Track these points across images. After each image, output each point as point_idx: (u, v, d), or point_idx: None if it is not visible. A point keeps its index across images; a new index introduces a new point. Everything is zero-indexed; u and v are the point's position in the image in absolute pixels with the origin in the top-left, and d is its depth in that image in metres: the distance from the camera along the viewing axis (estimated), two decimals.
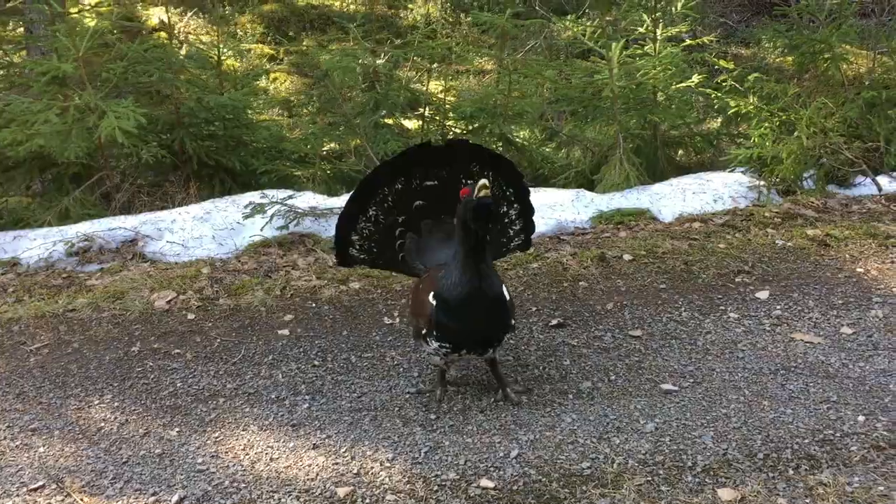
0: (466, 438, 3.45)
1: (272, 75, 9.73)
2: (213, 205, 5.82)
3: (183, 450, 3.41)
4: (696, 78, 6.95)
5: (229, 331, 4.42)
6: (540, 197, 5.76)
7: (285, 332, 4.40)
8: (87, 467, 3.31)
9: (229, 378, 3.96)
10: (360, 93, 6.65)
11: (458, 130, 6.84)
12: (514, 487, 3.14)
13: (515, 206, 3.92)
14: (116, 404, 3.76)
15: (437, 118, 6.70)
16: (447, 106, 6.74)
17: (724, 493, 3.05)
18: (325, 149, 6.39)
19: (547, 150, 7.03)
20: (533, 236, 4.07)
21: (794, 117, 6.10)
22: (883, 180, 6.14)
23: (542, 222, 5.66)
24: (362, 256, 3.87)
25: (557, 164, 6.67)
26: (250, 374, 3.99)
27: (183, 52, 7.19)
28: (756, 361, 3.93)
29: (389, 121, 6.68)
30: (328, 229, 5.59)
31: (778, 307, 4.45)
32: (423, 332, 3.48)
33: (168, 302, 4.74)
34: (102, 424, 3.61)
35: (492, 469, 3.25)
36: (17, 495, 3.14)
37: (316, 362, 4.09)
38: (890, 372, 3.81)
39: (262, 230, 5.58)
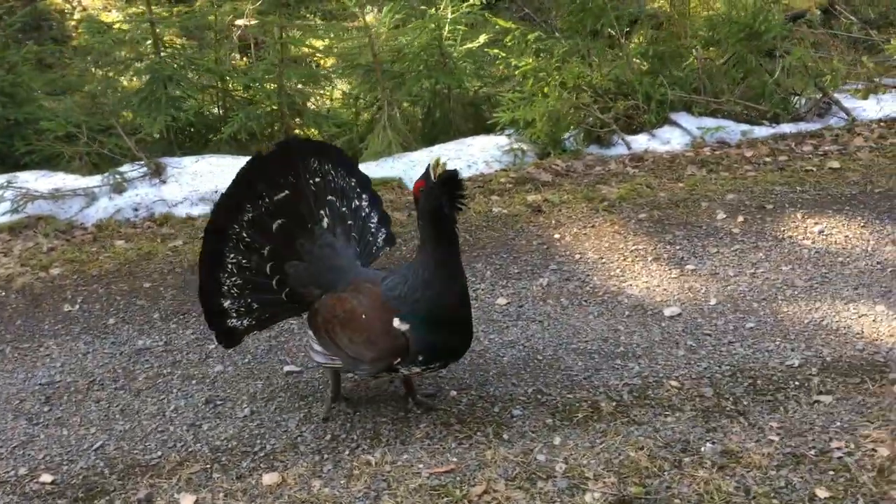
0: (64, 431, 3.46)
1: None
2: None
3: None
4: (482, 38, 6.87)
5: None
6: None
7: None
8: None
9: None
10: None
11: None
12: (73, 482, 3.16)
13: (364, 196, 3.50)
14: None
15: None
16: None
17: (267, 478, 3.08)
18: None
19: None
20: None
21: (547, 78, 6.03)
22: (642, 138, 6.12)
23: None
24: (246, 322, 3.33)
25: (332, 132, 6.60)
26: None
27: None
28: None
29: None
30: (67, 211, 5.56)
31: None
32: (393, 363, 3.04)
33: None
34: None
35: (63, 463, 3.26)
36: None
37: None
38: (514, 343, 3.83)
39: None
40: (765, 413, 3.26)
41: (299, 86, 6.66)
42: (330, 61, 7.27)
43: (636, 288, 4.24)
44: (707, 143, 6.02)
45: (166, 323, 4.26)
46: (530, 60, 6.53)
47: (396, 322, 2.99)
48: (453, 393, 3.53)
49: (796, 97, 6.54)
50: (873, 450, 3.00)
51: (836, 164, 5.63)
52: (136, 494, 3.04)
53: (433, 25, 6.48)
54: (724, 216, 4.92)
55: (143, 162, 5.92)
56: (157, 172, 5.90)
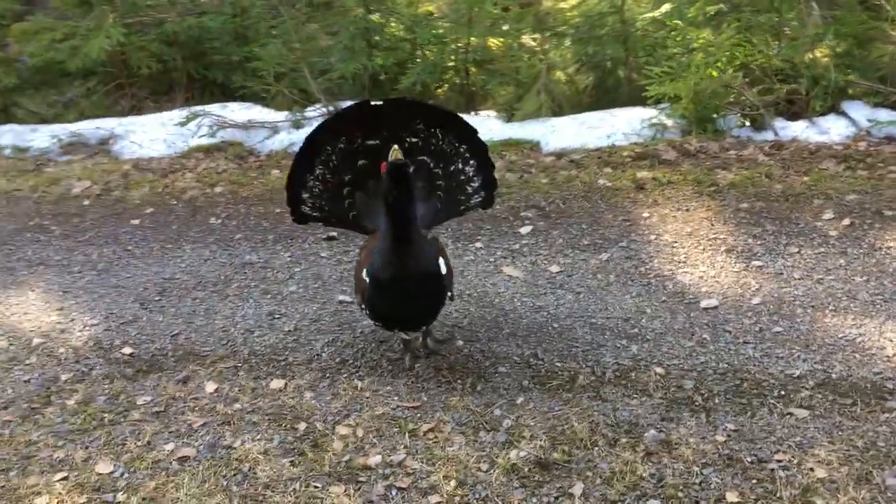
0: (159, 317, 4.33)
1: None
2: (175, 114, 6.93)
3: None
4: (666, 6, 6.83)
5: (102, 217, 5.57)
6: None
7: (136, 221, 5.47)
8: None
9: (64, 252, 5.12)
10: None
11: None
12: (144, 357, 3.98)
13: (471, 162, 3.77)
14: None
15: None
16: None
17: (274, 384, 3.69)
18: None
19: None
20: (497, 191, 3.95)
21: (716, 53, 5.92)
22: (798, 125, 5.82)
23: None
24: (315, 214, 3.81)
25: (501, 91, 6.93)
26: (80, 251, 5.11)
27: None
28: (456, 288, 4.26)
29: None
30: (252, 140, 6.53)
31: (526, 242, 4.74)
32: (361, 305, 3.54)
33: (81, 190, 5.99)
34: None
35: (145, 342, 4.12)
36: None
37: (129, 247, 5.12)
38: (541, 309, 4.09)
39: (199, 137, 6.62)
40: (729, 414, 3.28)
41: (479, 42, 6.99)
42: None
43: (689, 276, 4.26)
44: (870, 137, 5.59)
45: (274, 245, 4.99)
46: (704, 34, 6.39)
47: (364, 273, 3.41)
48: (460, 342, 3.89)
49: None
50: (811, 469, 2.96)
51: None
52: (178, 375, 3.79)
53: None
54: (831, 217, 4.67)
55: (321, 104, 6.70)
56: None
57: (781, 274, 4.20)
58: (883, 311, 3.83)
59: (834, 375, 3.45)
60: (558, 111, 6.45)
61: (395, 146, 3.27)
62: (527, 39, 7.30)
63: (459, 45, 6.83)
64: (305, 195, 3.74)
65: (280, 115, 6.72)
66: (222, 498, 3.04)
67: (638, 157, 5.58)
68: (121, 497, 3.09)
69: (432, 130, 3.69)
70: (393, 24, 7.25)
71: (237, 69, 7.31)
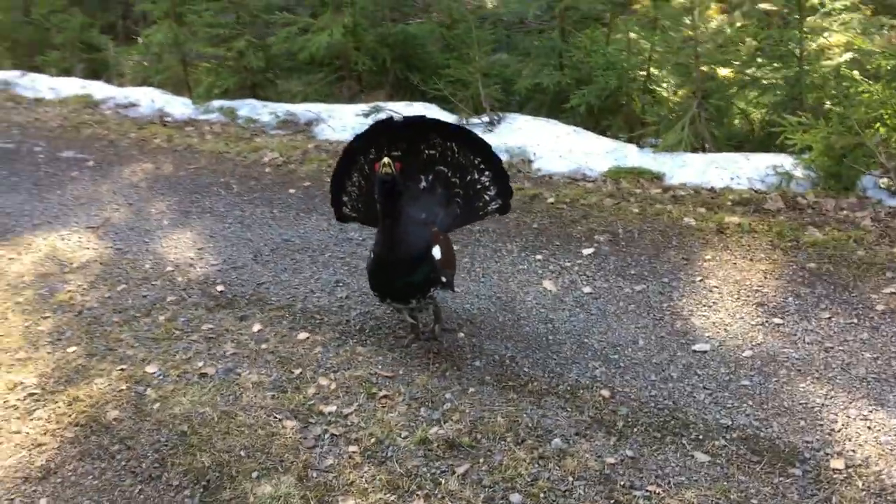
0: (258, 268, 5.34)
1: None
2: (365, 106, 7.98)
3: (158, 232, 5.95)
4: (846, 56, 6.64)
5: (271, 183, 6.75)
6: (579, 142, 6.74)
7: (292, 191, 6.55)
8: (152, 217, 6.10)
9: (228, 206, 6.34)
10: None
11: None
12: (227, 295, 4.99)
13: (486, 172, 4.27)
14: (166, 205, 6.43)
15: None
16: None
17: (300, 335, 4.51)
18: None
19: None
20: (511, 199, 4.40)
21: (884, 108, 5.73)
22: None
23: (564, 163, 6.66)
24: (353, 214, 4.36)
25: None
26: (239, 207, 6.30)
27: None
28: (491, 291, 4.86)
29: None
30: None
31: (580, 263, 5.10)
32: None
33: (269, 159, 7.23)
34: (157, 214, 6.31)
35: (236, 284, 5.13)
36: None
37: (275, 210, 6.21)
38: (549, 321, 4.49)
39: None
40: (637, 444, 3.52)
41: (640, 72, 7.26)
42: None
43: (703, 319, 4.39)
44: None
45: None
46: (878, 87, 6.15)
47: (368, 251, 4.07)
48: (461, 334, 4.42)
49: None
50: (657, 499, 3.18)
51: None
52: (240, 314, 4.73)
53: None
54: (893, 292, 4.49)
55: (486, 113, 7.37)
56: (492, 123, 7.32)
57: (794, 335, 4.19)
58: (865, 390, 3.75)
59: (762, 434, 3.53)
60: (698, 148, 6.53)
61: (386, 159, 3.70)
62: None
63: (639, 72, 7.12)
64: (345, 198, 4.31)
65: (448, 119, 7.47)
66: (209, 410, 3.90)
67: (739, 203, 5.60)
68: (148, 391, 4.07)
69: (448, 144, 4.23)
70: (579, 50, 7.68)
71: (433, 74, 8.17)
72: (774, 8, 6.88)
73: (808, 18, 6.52)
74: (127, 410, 3.93)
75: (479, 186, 4.30)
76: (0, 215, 6.31)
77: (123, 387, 4.10)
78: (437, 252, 3.99)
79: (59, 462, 3.62)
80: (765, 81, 6.73)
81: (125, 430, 3.79)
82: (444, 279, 4.03)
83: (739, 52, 6.79)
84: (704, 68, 6.59)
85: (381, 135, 4.20)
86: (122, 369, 4.24)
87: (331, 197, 4.39)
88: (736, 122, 7.20)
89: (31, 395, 4.07)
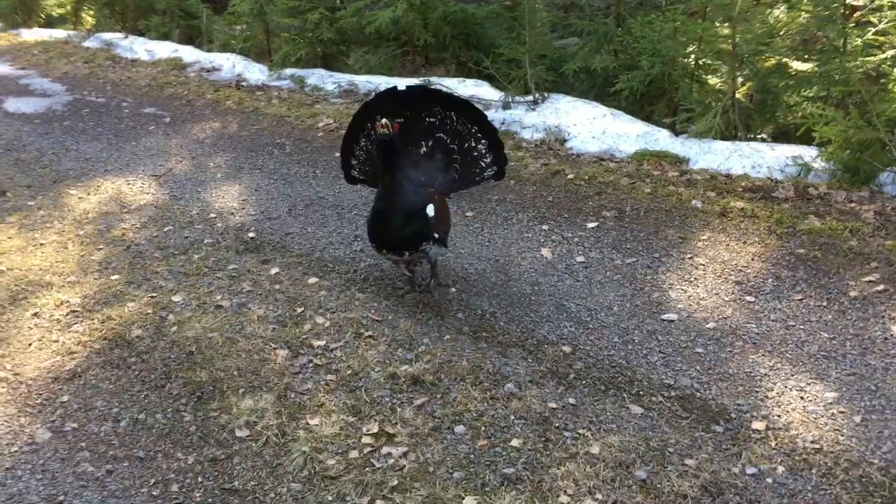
0: (290, 220, 5.87)
1: None
2: (423, 80, 8.40)
3: (211, 184, 6.57)
4: (891, 52, 6.67)
5: (321, 146, 7.27)
6: (614, 124, 7.01)
7: (338, 154, 7.05)
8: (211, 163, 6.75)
9: (278, 164, 6.90)
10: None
11: None
12: (256, 241, 5.54)
13: (483, 141, 4.63)
14: (223, 160, 7.04)
15: None
16: None
17: (311, 280, 5.01)
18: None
19: None
20: (507, 167, 4.81)
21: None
22: None
23: (596, 143, 6.93)
24: (361, 177, 4.76)
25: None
26: (287, 166, 6.85)
27: None
28: (492, 254, 5.22)
29: None
30: None
31: (582, 234, 5.41)
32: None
33: (324, 124, 7.76)
34: (214, 168, 6.95)
35: (265, 233, 5.67)
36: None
37: (317, 170, 6.73)
38: (536, 284, 4.85)
39: None
40: (581, 394, 3.86)
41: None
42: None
43: (679, 293, 4.65)
44: None
45: None
46: None
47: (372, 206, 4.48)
48: (453, 289, 4.82)
49: None
50: (589, 444, 3.51)
51: None
52: (263, 258, 5.26)
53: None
54: (871, 280, 4.59)
55: (532, 92, 7.69)
56: (535, 102, 7.63)
57: (762, 312, 4.41)
58: (810, 365, 3.97)
59: (699, 395, 3.81)
60: (729, 136, 6.69)
61: (384, 120, 4.14)
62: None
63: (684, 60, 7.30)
64: (354, 161, 4.70)
65: (495, 96, 7.83)
66: (216, 335, 4.43)
67: (750, 189, 5.77)
68: (170, 316, 4.63)
69: (447, 112, 4.61)
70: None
71: (489, 52, 8.52)
72: None
73: (856, 14, 6.56)
74: (149, 330, 4.49)
75: (475, 154, 4.66)
76: (80, 160, 7.05)
77: (150, 311, 4.67)
78: (430, 210, 4.37)
79: (84, 368, 4.20)
80: (807, 73, 6.79)
81: (143, 346, 4.35)
82: (436, 235, 4.41)
83: (780, 44, 6.87)
84: (744, 58, 6.70)
85: (387, 103, 4.59)
86: (152, 296, 4.82)
87: (341, 160, 4.81)
88: (777, 114, 7.27)
89: (73, 311, 4.69)
